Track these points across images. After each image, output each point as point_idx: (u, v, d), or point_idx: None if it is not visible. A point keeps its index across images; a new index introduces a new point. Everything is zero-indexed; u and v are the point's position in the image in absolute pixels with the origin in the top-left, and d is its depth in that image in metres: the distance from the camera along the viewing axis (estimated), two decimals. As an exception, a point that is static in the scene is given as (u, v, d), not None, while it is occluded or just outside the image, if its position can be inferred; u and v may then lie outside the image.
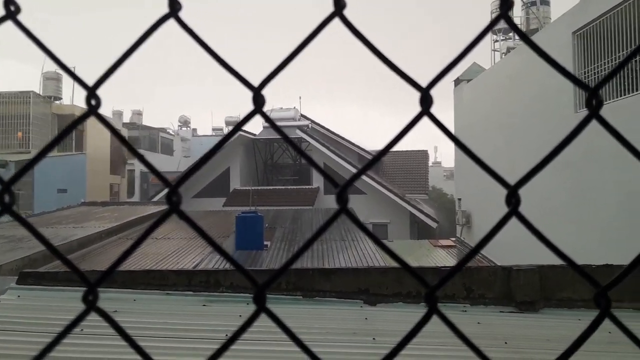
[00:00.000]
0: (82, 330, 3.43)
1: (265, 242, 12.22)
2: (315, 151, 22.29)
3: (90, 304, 0.57)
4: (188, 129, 44.31)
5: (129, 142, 0.64)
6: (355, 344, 3.27)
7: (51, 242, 0.59)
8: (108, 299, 4.60)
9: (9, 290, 4.50)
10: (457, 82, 18.35)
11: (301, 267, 4.98)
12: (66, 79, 27.01)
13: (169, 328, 3.60)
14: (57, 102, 26.40)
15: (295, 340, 0.56)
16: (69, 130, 0.57)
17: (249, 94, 0.56)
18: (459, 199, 18.58)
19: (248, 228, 11.96)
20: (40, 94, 25.45)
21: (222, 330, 3.51)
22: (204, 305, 4.26)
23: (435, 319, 0.54)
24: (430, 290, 0.51)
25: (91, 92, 0.53)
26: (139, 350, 0.57)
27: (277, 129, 0.59)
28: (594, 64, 9.54)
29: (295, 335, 0.56)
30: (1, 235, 12.48)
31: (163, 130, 37.51)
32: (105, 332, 3.38)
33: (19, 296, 4.35)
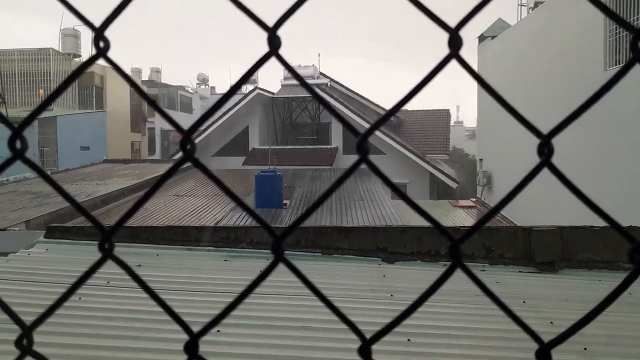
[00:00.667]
0: (108, 282, 3.54)
1: (284, 201, 12.33)
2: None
3: (106, 252, 0.57)
4: (206, 86, 44.22)
5: (136, 84, 0.62)
6: (374, 300, 3.31)
7: (66, 191, 0.58)
8: (132, 253, 4.73)
9: (37, 244, 4.65)
10: (482, 38, 17.75)
11: (320, 225, 5.02)
12: (85, 36, 26.96)
13: (192, 282, 3.69)
14: (76, 59, 26.46)
15: (314, 290, 0.55)
16: (77, 74, 0.55)
17: (267, 49, 0.53)
18: (481, 159, 18.34)
19: (267, 187, 12.06)
20: (60, 50, 25.53)
21: (243, 285, 3.58)
22: (226, 260, 4.35)
23: (455, 277, 0.52)
24: (454, 242, 0.49)
25: (99, 33, 0.51)
26: (159, 301, 0.57)
27: (293, 72, 0.56)
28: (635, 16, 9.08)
29: (313, 286, 0.55)
30: (29, 191, 12.83)
31: (182, 88, 37.49)
32: (130, 284, 3.49)
33: (47, 249, 4.50)
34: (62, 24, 26.02)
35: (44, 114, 19.72)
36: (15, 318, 0.58)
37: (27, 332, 0.45)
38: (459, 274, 0.52)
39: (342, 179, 0.53)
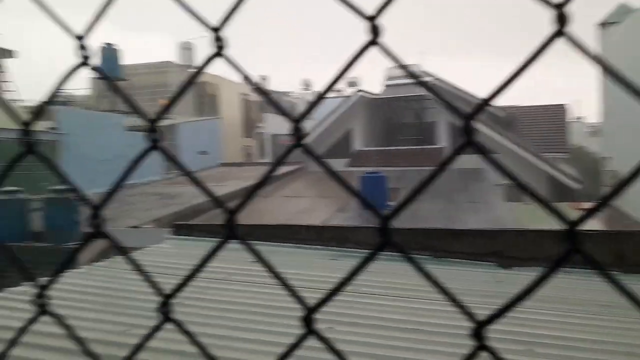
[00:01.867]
0: (230, 275, 3.80)
1: (389, 202, 12.25)
2: (440, 110, 21.48)
3: (231, 234, 0.62)
4: (311, 91, 45.38)
5: (250, 79, 0.66)
6: (485, 305, 3.17)
7: (206, 186, 0.64)
8: (247, 250, 5.00)
9: (165, 240, 5.13)
10: (604, 25, 16.13)
11: (429, 227, 4.91)
12: (199, 48, 29.10)
13: (300, 279, 3.81)
14: (191, 69, 28.70)
15: (431, 281, 0.55)
16: (198, 72, 0.62)
17: (370, 53, 0.54)
18: (607, 158, 16.65)
19: (372, 188, 12.07)
20: (179, 63, 27.93)
21: (354, 284, 3.63)
22: (332, 259, 4.44)
23: (578, 283, 0.49)
24: (571, 228, 0.46)
25: (216, 33, 0.56)
26: (278, 276, 0.61)
27: (393, 58, 0.56)
28: None
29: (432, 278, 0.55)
30: (156, 193, 14.16)
31: (287, 94, 38.90)
32: (246, 279, 3.70)
33: (174, 245, 4.94)
34: (179, 38, 28.38)
35: (167, 122, 21.68)
36: (156, 287, 0.65)
37: (167, 299, 0.51)
38: (581, 280, 0.48)
39: (450, 158, 0.53)
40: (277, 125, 31.46)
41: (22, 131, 0.59)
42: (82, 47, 0.66)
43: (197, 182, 0.65)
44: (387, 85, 23.42)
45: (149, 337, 0.51)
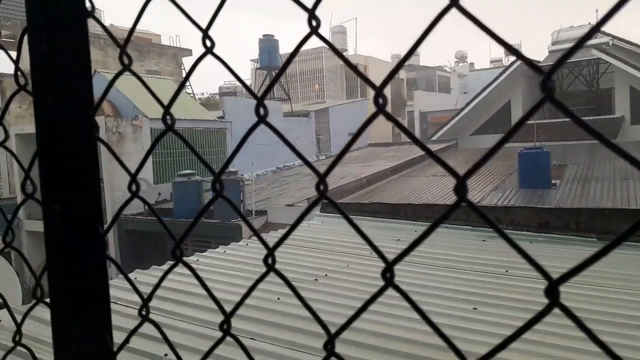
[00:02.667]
0: (370, 253, 3.83)
1: (553, 181, 11.11)
2: (618, 73, 18.70)
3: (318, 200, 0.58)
4: (465, 64, 43.07)
5: (342, 55, 0.61)
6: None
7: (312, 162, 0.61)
8: (392, 228, 4.98)
9: (315, 217, 5.36)
10: None
11: (596, 207, 4.33)
12: (350, 32, 29.48)
13: (449, 259, 3.67)
14: (343, 53, 29.28)
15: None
16: (295, 52, 0.58)
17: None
18: None
19: (532, 165, 11.06)
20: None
21: (502, 266, 3.38)
22: (484, 240, 4.19)
23: None
24: None
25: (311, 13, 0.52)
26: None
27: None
28: None
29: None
30: (309, 174, 14.90)
31: (440, 68, 37.45)
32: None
33: (322, 222, 5.13)
34: (331, 22, 29.11)
35: (318, 106, 22.53)
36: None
37: (390, 266, 0.51)
38: None
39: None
40: (427, 103, 30.63)
41: (195, 121, 0.63)
42: (208, 38, 0.67)
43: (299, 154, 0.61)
44: (552, 51, 21.12)
45: (372, 300, 0.53)
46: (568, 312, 0.42)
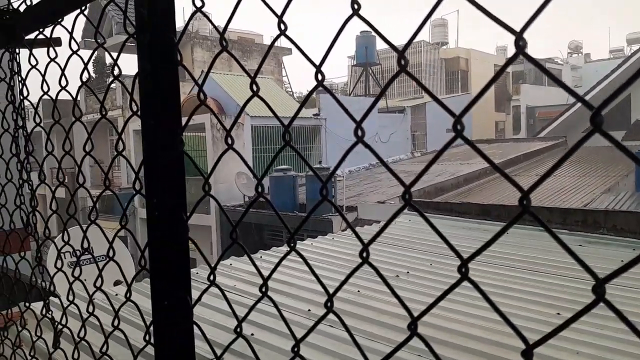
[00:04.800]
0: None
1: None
2: None
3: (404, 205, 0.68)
4: (580, 55, 39.72)
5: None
6: None
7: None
8: (482, 229, 4.88)
9: (403, 214, 5.40)
10: None
11: None
12: (451, 24, 28.61)
13: (537, 262, 3.55)
14: (443, 47, 28.43)
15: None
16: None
17: None
18: None
19: (652, 165, 10.02)
20: (429, 41, 28.00)
21: (600, 273, 3.21)
22: (580, 245, 3.96)
23: None
24: None
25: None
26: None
27: None
28: None
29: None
30: (404, 171, 14.79)
31: (550, 60, 34.94)
32: (479, 259, 3.66)
33: (409, 220, 5.16)
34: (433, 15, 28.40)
35: (415, 102, 22.19)
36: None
37: (465, 263, 0.60)
38: None
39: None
40: (535, 97, 28.79)
41: (290, 120, 0.78)
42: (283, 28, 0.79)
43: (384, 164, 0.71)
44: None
45: (449, 290, 0.62)
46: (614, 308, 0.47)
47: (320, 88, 0.75)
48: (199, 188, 0.92)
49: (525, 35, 0.52)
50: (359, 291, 2.93)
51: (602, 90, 19.70)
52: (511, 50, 0.53)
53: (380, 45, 23.80)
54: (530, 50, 0.55)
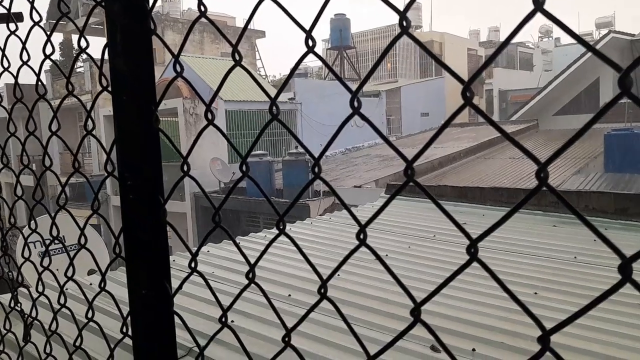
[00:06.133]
0: (434, 236, 3.83)
1: (643, 164, 10.31)
2: None
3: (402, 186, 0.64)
4: (550, 39, 40.35)
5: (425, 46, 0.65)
6: None
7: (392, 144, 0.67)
8: (459, 212, 4.92)
9: (379, 198, 5.40)
10: None
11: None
12: (425, 6, 28.62)
13: (517, 244, 3.59)
14: (417, 30, 28.45)
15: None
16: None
17: None
18: None
19: (620, 148, 10.31)
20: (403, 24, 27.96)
21: (571, 252, 3.26)
22: (554, 226, 4.03)
23: None
24: None
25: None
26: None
27: None
28: None
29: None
30: (379, 155, 14.83)
31: (521, 44, 35.40)
32: (454, 240, 3.67)
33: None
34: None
35: (390, 86, 22.22)
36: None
37: (474, 243, 0.57)
38: None
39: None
40: (507, 81, 29.19)
41: (269, 103, 0.72)
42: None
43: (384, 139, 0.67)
44: (649, 22, 19.27)
45: (457, 273, 0.59)
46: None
47: (297, 72, 0.70)
48: (172, 175, 0.86)
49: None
50: (339, 275, 2.91)
51: (573, 73, 20.09)
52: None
53: (355, 28, 23.66)
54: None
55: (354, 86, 19.51)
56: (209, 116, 0.78)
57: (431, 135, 0.65)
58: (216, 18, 24.55)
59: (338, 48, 23.12)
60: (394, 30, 26.87)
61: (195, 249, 0.92)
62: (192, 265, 0.86)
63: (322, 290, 0.76)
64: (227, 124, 14.19)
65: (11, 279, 1.47)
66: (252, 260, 0.85)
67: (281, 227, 0.81)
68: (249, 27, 0.88)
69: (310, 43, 0.70)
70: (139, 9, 0.84)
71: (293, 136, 0.83)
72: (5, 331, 1.47)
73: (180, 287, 0.90)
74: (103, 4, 0.85)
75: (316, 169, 0.74)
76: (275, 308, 0.84)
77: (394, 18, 0.61)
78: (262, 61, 26.50)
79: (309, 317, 0.84)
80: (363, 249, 0.80)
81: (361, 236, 0.73)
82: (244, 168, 0.82)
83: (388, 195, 5.27)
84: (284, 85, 0.88)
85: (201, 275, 0.86)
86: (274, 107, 0.77)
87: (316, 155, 0.74)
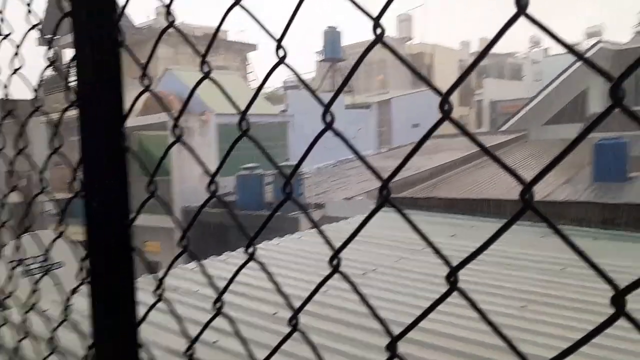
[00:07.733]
0: (423, 248, 3.81)
1: (630, 174, 10.39)
2: None
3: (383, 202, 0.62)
4: (539, 49, 40.83)
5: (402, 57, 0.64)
6: None
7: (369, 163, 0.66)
8: (448, 223, 4.91)
9: (368, 210, 5.39)
10: None
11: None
12: (416, 18, 28.95)
13: (504, 255, 3.58)
14: (408, 42, 28.69)
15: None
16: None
17: None
18: None
19: (609, 156, 10.38)
20: (396, 36, 28.24)
21: (558, 263, 3.25)
22: (542, 237, 4.03)
23: None
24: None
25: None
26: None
27: None
28: None
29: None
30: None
31: (511, 55, 35.79)
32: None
33: (376, 215, 5.14)
34: (399, 9, 28.68)
35: (381, 97, 22.31)
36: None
37: (454, 271, 0.54)
38: None
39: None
40: (497, 91, 29.43)
41: (259, 115, 0.69)
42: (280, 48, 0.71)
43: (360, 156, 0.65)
44: (638, 32, 19.58)
45: (435, 305, 0.55)
46: (635, 323, 0.41)
47: (290, 84, 0.68)
48: (162, 190, 0.84)
49: (488, 31, 0.48)
50: (326, 291, 2.88)
51: (562, 83, 20.30)
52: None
53: (354, 39, 23.81)
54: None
55: (346, 98, 19.50)
56: (243, 125, 0.75)
57: (423, 146, 0.64)
58: (209, 32, 24.60)
59: (330, 60, 23.25)
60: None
61: (162, 275, 0.89)
62: (158, 292, 0.84)
63: (294, 322, 0.73)
64: (219, 137, 14.16)
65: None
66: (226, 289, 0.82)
67: (251, 253, 0.78)
68: (240, 41, 0.87)
69: (281, 53, 0.68)
70: (106, 19, 0.82)
71: (264, 154, 0.81)
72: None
73: (144, 318, 0.87)
74: (71, 14, 0.83)
75: (287, 188, 0.72)
76: (243, 338, 0.81)
77: (391, 29, 0.58)
78: (256, 74, 26.56)
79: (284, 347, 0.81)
80: (347, 262, 0.79)
81: (334, 262, 0.70)
82: (213, 188, 0.79)
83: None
84: (253, 99, 0.87)
85: (167, 302, 0.84)
86: (244, 122, 0.75)
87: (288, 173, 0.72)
